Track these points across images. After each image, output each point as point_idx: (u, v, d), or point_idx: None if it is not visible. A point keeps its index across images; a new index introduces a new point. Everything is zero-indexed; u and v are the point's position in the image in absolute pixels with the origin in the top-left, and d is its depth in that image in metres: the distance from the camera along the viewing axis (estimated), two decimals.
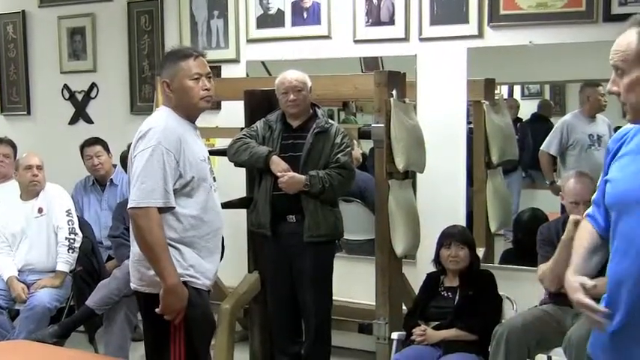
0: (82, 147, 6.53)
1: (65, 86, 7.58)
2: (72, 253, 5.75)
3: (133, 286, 3.91)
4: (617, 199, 2.57)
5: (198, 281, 3.84)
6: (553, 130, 5.72)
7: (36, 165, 5.85)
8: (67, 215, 5.82)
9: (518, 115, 6.20)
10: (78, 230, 5.82)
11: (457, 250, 4.79)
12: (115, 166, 6.57)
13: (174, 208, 3.70)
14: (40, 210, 5.84)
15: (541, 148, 5.76)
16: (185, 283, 3.75)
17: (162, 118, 3.84)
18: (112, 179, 6.53)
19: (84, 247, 5.87)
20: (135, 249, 3.81)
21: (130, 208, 3.68)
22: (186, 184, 3.75)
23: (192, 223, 3.80)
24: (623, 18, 5.04)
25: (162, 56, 4.07)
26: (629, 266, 2.49)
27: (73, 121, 7.59)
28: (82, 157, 6.52)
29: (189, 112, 3.91)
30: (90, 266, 5.92)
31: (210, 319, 4.09)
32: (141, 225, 3.66)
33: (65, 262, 5.73)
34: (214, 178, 3.99)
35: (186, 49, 4.04)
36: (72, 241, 5.75)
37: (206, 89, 3.88)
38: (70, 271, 5.77)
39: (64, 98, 7.60)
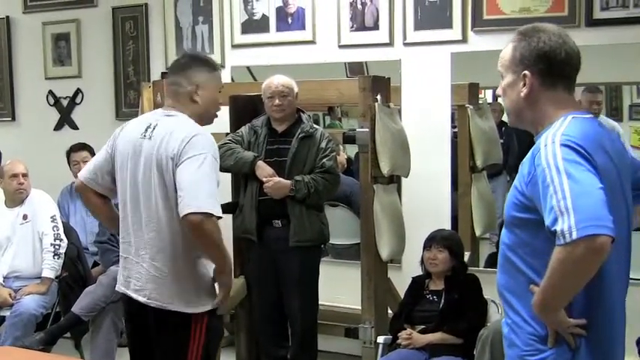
0: (69, 153, 6.52)
1: (50, 92, 7.56)
2: (57, 259, 5.74)
3: (156, 303, 3.63)
4: None
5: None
6: None
7: (21, 173, 5.84)
8: (51, 221, 5.82)
9: (503, 119, 6.22)
10: (63, 236, 5.82)
11: (436, 253, 4.82)
12: None
13: (221, 217, 3.53)
14: (25, 217, 5.83)
15: None
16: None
17: (195, 124, 3.67)
18: None
19: (69, 253, 5.87)
20: (163, 264, 3.62)
21: (193, 212, 3.41)
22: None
23: None
24: (605, 23, 5.18)
25: (185, 58, 3.88)
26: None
27: (58, 127, 7.57)
28: (69, 163, 6.51)
29: (203, 121, 3.77)
30: (76, 272, 5.92)
31: (222, 327, 4.11)
32: (208, 228, 3.44)
33: (51, 268, 5.72)
34: None
35: (214, 61, 3.91)
36: (57, 247, 5.75)
37: (219, 104, 3.87)
38: (56, 277, 5.77)
39: (49, 104, 7.58)
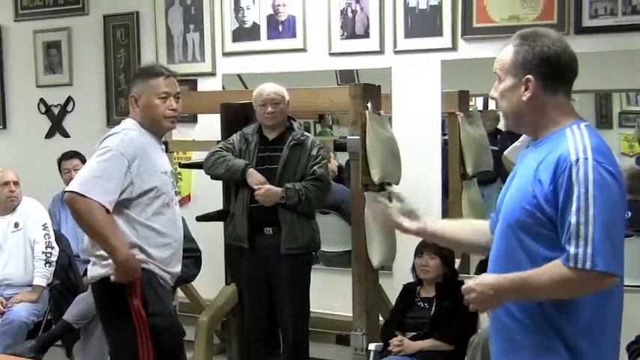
0: (60, 160, 6.50)
1: (41, 100, 7.55)
2: (49, 267, 5.74)
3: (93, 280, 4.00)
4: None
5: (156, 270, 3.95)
6: (520, 138, 5.66)
7: (12, 181, 5.84)
8: (43, 229, 5.81)
9: (499, 127, 6.22)
10: (54, 244, 5.82)
11: (428, 260, 4.83)
12: None
13: (108, 210, 3.75)
14: (17, 225, 5.82)
15: (504, 153, 5.70)
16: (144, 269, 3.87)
17: (126, 127, 3.95)
18: None
19: (61, 261, 5.86)
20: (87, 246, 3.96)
21: (68, 190, 3.75)
22: (142, 192, 3.84)
23: (146, 234, 3.88)
24: (594, 31, 5.21)
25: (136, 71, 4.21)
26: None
27: (49, 135, 7.56)
28: (60, 171, 6.49)
29: (153, 128, 4.01)
30: (67, 280, 5.91)
31: (177, 326, 4.11)
32: (80, 208, 3.73)
33: (42, 276, 5.72)
34: (177, 192, 4.06)
35: (159, 68, 4.12)
36: (48, 255, 5.74)
37: (172, 109, 3.98)
38: (47, 285, 5.76)
39: (40, 112, 7.57)
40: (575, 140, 2.45)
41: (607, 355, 2.57)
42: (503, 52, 2.64)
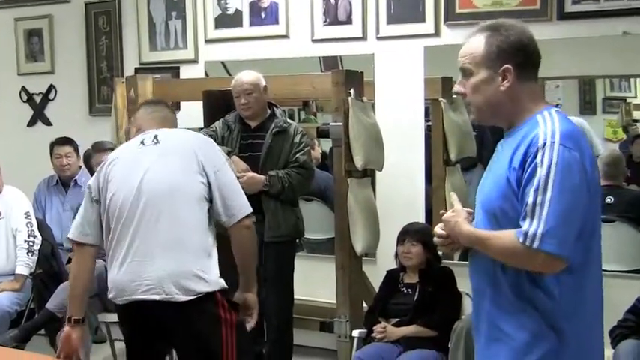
0: (53, 145, 6.46)
1: (23, 88, 7.51)
2: (31, 255, 5.71)
3: (182, 298, 3.56)
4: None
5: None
6: None
7: None
8: (25, 218, 5.79)
9: None
10: (37, 233, 5.79)
11: (410, 247, 4.84)
12: (80, 167, 6.51)
13: None
14: None
15: None
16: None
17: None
18: (76, 180, 6.46)
19: (44, 250, 5.84)
20: (184, 259, 3.63)
21: (245, 217, 3.67)
22: None
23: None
24: (576, 16, 5.20)
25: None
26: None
27: (31, 123, 7.52)
28: (51, 155, 6.44)
29: None
30: (50, 269, 5.90)
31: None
32: (252, 230, 3.76)
33: (25, 265, 5.69)
34: None
35: None
36: (31, 243, 5.72)
37: None
38: (30, 274, 5.74)
39: (22, 100, 7.54)
40: (545, 125, 2.48)
41: (587, 340, 2.58)
42: (472, 45, 2.61)
